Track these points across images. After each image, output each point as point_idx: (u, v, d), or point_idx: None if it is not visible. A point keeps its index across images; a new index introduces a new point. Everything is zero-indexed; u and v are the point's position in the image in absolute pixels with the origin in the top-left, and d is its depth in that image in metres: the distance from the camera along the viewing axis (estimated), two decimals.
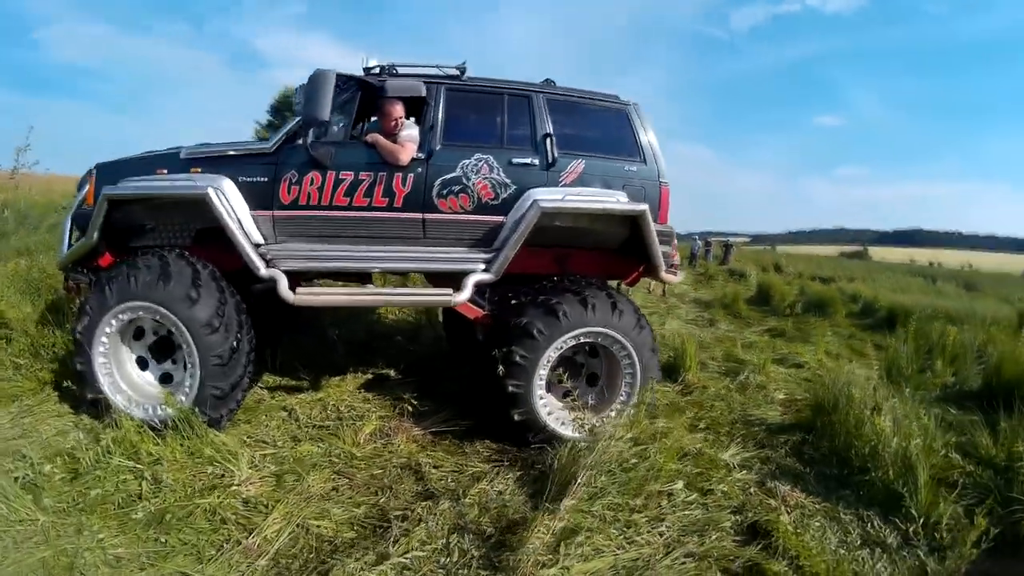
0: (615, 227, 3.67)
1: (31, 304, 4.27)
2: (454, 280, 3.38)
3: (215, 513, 2.37)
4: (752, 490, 2.76)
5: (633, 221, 3.54)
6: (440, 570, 2.08)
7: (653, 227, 3.52)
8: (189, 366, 3.01)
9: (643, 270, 3.96)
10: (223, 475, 2.64)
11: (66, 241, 3.44)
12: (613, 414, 3.23)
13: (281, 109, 29.33)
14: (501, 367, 3.07)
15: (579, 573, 1.86)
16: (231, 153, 3.31)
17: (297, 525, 2.34)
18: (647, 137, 3.70)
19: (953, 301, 9.65)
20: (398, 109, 3.31)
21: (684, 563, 2.03)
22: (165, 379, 3.26)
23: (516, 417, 3.13)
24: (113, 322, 3.02)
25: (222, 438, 2.88)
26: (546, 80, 3.74)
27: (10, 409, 3.10)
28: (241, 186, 3.20)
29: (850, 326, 7.98)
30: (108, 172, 3.35)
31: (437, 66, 3.48)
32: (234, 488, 2.53)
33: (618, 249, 3.83)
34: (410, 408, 3.55)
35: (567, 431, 3.16)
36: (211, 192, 3.08)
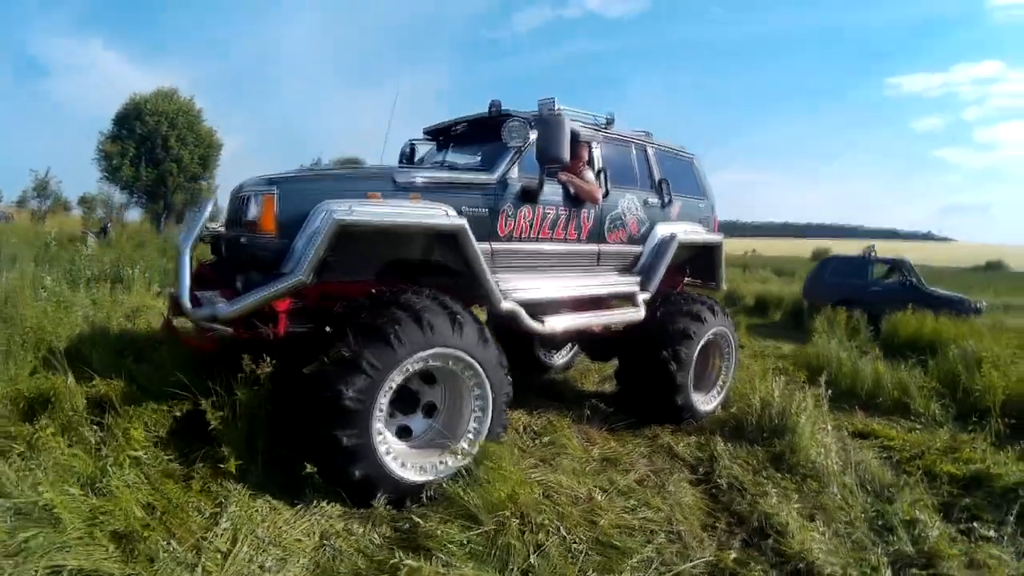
0: (693, 251, 5.50)
1: (53, 367, 3.37)
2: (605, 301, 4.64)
3: (627, 528, 2.90)
4: (834, 415, 4.86)
5: (709, 248, 5.43)
6: (784, 480, 3.50)
7: (723, 252, 5.46)
8: (476, 411, 3.28)
9: (684, 282, 5.86)
10: (576, 501, 3.07)
11: (186, 279, 3.03)
12: (720, 386, 5.08)
13: (129, 118, 25.25)
14: (673, 364, 4.50)
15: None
16: (457, 181, 3.62)
17: (679, 515, 3.11)
18: (704, 179, 5.60)
19: (798, 285, 13.98)
20: (587, 152, 4.24)
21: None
22: (403, 434, 3.28)
23: (679, 401, 4.52)
24: (398, 378, 2.95)
25: (514, 470, 3.08)
26: (645, 132, 5.26)
27: (218, 526, 2.51)
28: (464, 216, 3.43)
29: (734, 313, 11.24)
30: (295, 193, 3.11)
31: (592, 114, 4.51)
32: (602, 507, 3.01)
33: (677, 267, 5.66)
34: (588, 413, 4.43)
35: (702, 406, 4.81)
36: (467, 226, 3.32)
